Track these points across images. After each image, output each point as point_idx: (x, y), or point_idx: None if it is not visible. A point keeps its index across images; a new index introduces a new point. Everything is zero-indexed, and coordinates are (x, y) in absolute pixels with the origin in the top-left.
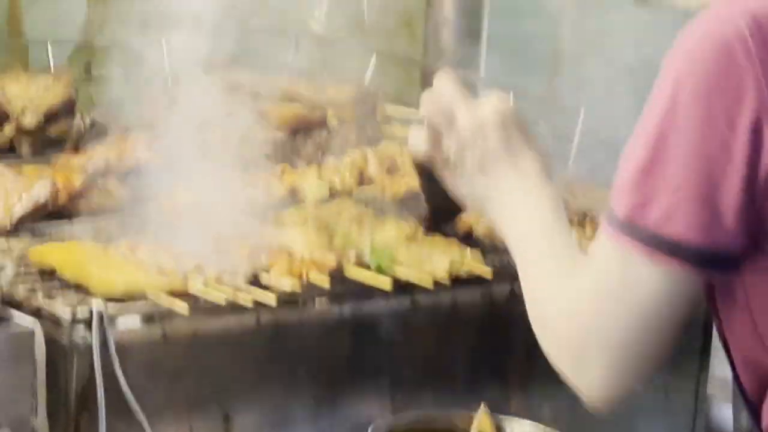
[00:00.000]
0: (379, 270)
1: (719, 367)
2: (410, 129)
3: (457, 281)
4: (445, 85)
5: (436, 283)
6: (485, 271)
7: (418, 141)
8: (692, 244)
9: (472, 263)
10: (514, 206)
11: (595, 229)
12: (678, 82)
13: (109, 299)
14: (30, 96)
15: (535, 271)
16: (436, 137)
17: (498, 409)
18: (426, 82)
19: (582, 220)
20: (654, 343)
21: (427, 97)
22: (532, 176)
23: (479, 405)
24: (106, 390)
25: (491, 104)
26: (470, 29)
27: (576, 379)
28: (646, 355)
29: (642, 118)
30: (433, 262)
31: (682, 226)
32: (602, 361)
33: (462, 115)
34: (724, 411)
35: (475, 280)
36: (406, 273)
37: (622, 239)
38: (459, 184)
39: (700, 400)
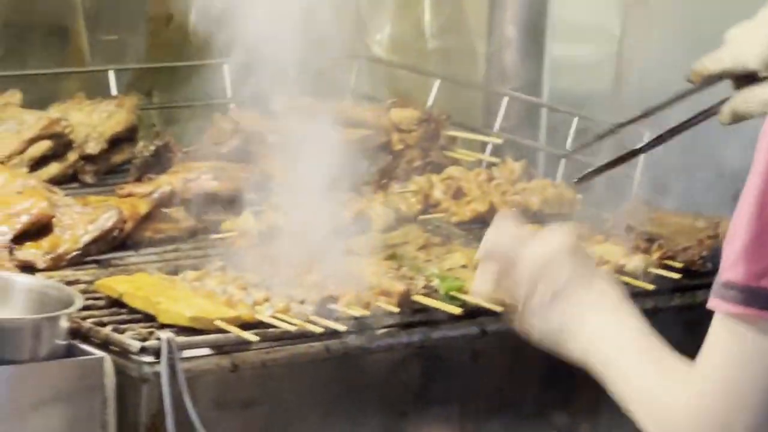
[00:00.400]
0: (448, 296)
1: None
2: (475, 272)
3: None
4: (506, 222)
5: (505, 308)
6: None
7: (483, 282)
8: None
9: None
10: (599, 325)
11: (662, 255)
12: None
13: (178, 330)
14: (93, 123)
15: (638, 382)
16: (501, 277)
17: None
18: (488, 104)
19: (648, 247)
20: None
21: (490, 236)
22: (611, 294)
23: None
24: (175, 421)
25: (559, 236)
26: (532, 51)
27: None
28: None
29: (748, 181)
30: None
31: None
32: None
33: (531, 248)
34: None
35: None
36: (474, 299)
37: (745, 310)
38: (530, 322)
39: None
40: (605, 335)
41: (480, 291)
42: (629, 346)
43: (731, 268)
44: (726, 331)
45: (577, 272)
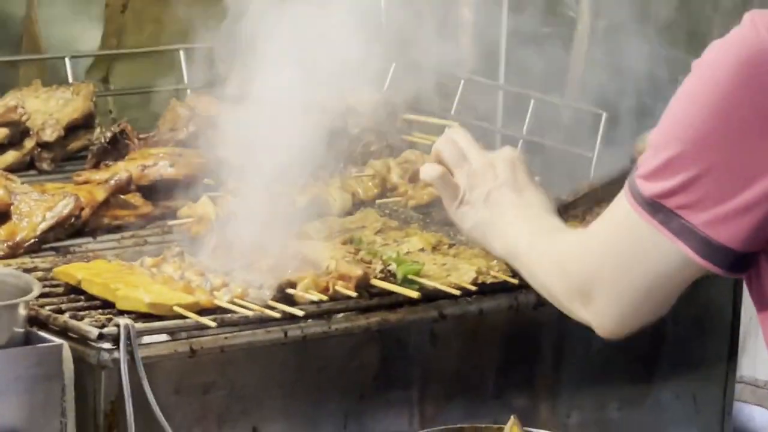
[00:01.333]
0: (405, 280)
1: (747, 371)
2: (424, 165)
3: (484, 290)
4: (459, 132)
5: (463, 292)
6: (511, 278)
7: (430, 172)
8: (729, 247)
9: (498, 272)
10: (513, 229)
11: None
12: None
13: (136, 316)
14: (50, 110)
15: (527, 247)
16: (446, 173)
17: (526, 417)
18: (445, 87)
19: None
20: (655, 298)
21: (443, 139)
22: (534, 206)
23: (508, 416)
24: (134, 407)
25: (502, 151)
26: (490, 34)
27: (587, 315)
28: (649, 304)
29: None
30: (458, 271)
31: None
32: (610, 301)
33: (475, 155)
34: (752, 414)
35: (501, 289)
36: (432, 282)
37: (650, 220)
38: (464, 216)
39: (727, 405)
40: (514, 234)
41: (427, 178)
42: (525, 232)
43: (649, 178)
44: (626, 219)
45: (512, 178)
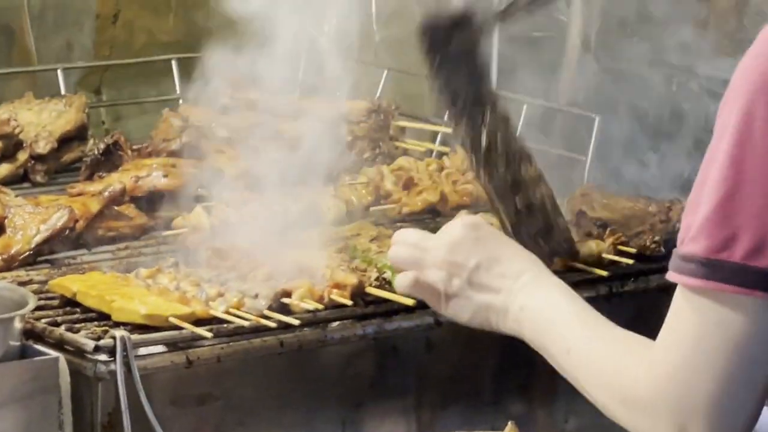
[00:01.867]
0: None
1: None
2: (396, 279)
3: None
4: (404, 232)
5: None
6: None
7: (402, 282)
8: None
9: None
10: (530, 305)
11: (615, 240)
12: (749, 112)
13: (132, 328)
14: (42, 122)
15: (585, 356)
16: (417, 277)
17: (523, 423)
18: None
19: (601, 232)
20: (753, 383)
21: (392, 247)
22: (530, 270)
23: (505, 422)
24: (132, 419)
25: (457, 222)
26: None
27: None
28: (746, 404)
29: (710, 151)
30: None
31: None
32: (707, 414)
33: (432, 244)
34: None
35: None
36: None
37: (706, 284)
38: (457, 310)
39: None
40: (542, 316)
41: (401, 288)
42: (577, 328)
43: (692, 241)
44: (687, 303)
45: (486, 251)
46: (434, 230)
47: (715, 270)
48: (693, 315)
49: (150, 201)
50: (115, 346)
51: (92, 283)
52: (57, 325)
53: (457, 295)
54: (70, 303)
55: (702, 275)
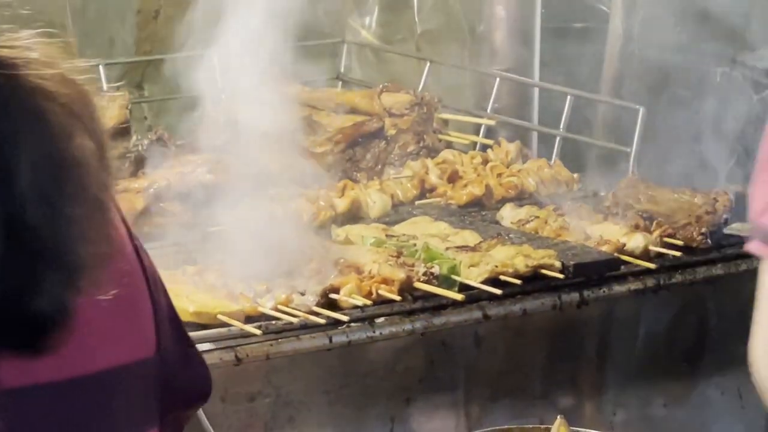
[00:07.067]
0: (448, 281)
1: None
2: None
3: (528, 288)
4: None
5: (505, 294)
6: (555, 266)
7: None
8: None
9: (543, 259)
10: None
11: (662, 233)
12: None
13: None
14: None
15: None
16: None
17: (571, 416)
18: (480, 85)
19: (647, 225)
20: None
21: None
22: None
23: (554, 416)
24: None
25: None
26: (524, 31)
27: None
28: None
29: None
30: (500, 266)
31: None
32: None
33: None
34: None
35: (544, 288)
36: (474, 279)
37: None
38: None
39: None
40: None
41: None
42: None
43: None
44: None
45: None
46: (480, 221)
47: None
48: None
49: (195, 197)
50: None
51: None
52: None
53: None
54: None
55: None
